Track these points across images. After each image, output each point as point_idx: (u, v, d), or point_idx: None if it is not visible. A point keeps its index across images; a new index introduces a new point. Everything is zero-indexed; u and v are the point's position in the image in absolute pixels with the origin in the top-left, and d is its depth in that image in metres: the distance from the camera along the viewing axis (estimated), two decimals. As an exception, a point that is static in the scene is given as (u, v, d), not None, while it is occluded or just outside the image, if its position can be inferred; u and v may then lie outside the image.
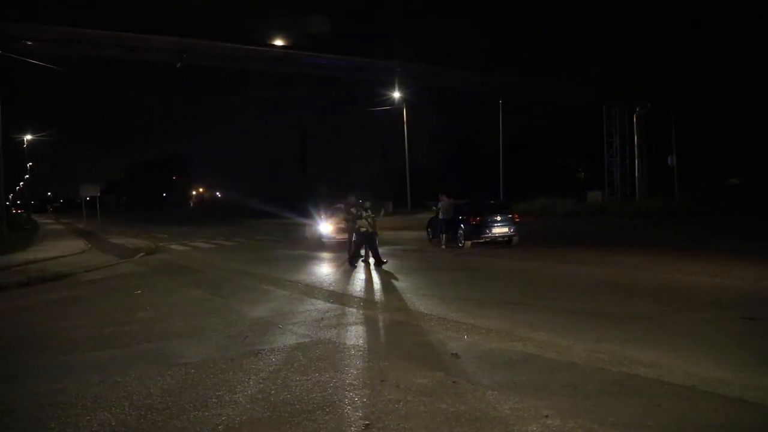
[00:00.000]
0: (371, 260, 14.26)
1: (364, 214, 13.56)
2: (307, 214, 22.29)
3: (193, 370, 5.48)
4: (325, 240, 19.75)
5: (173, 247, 22.39)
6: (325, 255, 16.92)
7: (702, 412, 4.02)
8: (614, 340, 6.02)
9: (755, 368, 4.94)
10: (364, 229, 13.48)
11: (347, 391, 4.71)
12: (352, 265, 13.48)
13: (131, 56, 28.08)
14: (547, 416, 4.01)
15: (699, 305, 7.78)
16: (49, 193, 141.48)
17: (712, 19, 37.36)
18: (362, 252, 14.92)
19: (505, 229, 17.10)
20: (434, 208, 18.36)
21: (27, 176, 78.77)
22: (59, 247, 21.50)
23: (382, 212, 16.04)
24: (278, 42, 28.15)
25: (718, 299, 8.15)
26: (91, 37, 24.53)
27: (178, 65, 27.90)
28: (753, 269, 10.57)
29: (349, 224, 15.52)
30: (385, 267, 13.26)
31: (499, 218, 17.14)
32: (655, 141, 37.45)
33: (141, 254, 18.67)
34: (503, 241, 17.36)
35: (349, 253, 15.56)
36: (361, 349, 6.10)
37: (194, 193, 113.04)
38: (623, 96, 37.62)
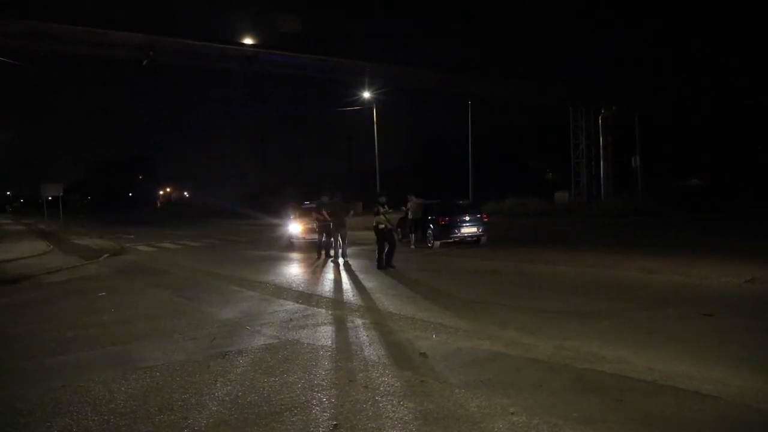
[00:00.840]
0: (340, 259, 14.26)
1: (382, 210, 12.88)
2: (276, 215, 22.15)
3: (158, 374, 5.40)
4: (294, 241, 19.65)
5: (139, 248, 22.00)
6: (295, 256, 16.83)
7: (662, 406, 4.13)
8: (580, 338, 6.13)
9: (712, 362, 5.09)
10: (383, 226, 12.79)
11: (315, 391, 4.70)
12: (382, 266, 12.53)
13: (96, 52, 27.40)
14: (513, 413, 4.07)
15: (660, 302, 7.98)
16: (8, 192, 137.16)
17: (675, 23, 38.38)
18: (332, 252, 14.92)
19: (474, 229, 17.27)
20: (403, 208, 18.42)
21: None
22: (19, 249, 20.92)
23: (352, 213, 16.04)
24: (248, 41, 27.82)
25: (678, 296, 8.38)
26: (53, 32, 23.85)
27: (145, 63, 27.33)
28: (710, 267, 10.89)
29: (321, 224, 15.51)
30: (353, 267, 13.27)
31: (467, 218, 17.29)
32: (620, 143, 38.23)
33: (106, 255, 18.29)
34: (472, 241, 17.51)
35: (319, 253, 15.50)
36: (330, 349, 6.09)
37: (161, 193, 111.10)
38: (589, 98, 38.28)
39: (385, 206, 12.95)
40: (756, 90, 37.01)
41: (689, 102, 38.57)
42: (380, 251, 12.76)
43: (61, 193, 36.21)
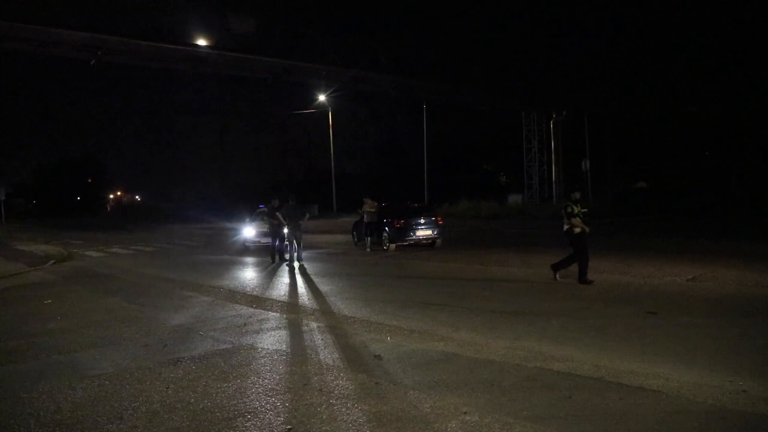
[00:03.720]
0: (295, 263, 14.16)
1: (576, 209, 9.78)
2: (230, 219, 21.87)
3: (107, 382, 5.26)
4: (248, 244, 19.42)
5: (88, 253, 21.32)
6: (249, 259, 16.63)
7: (608, 401, 4.28)
8: (531, 337, 6.28)
9: (655, 358, 5.30)
10: (579, 230, 9.75)
11: (269, 396, 4.67)
12: (586, 280, 9.69)
13: (41, 51, 26.55)
14: (465, 413, 4.14)
15: (608, 302, 8.24)
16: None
17: (622, 34, 39.75)
18: (287, 256, 14.81)
19: (429, 232, 17.43)
20: (359, 211, 18.45)
21: None
22: (-42, 256, 19.97)
23: (307, 216, 15.98)
24: (201, 41, 27.39)
25: (624, 296, 8.68)
26: (-5, 30, 22.99)
27: (93, 62, 26.62)
28: (655, 266, 11.32)
29: (274, 227, 15.37)
30: (308, 270, 13.20)
31: (422, 221, 17.45)
32: (570, 147, 39.34)
33: (52, 262, 17.65)
34: (427, 244, 17.67)
35: (273, 257, 15.32)
36: (284, 353, 6.06)
37: (111, 196, 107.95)
38: (541, 104, 39.24)
39: (578, 204, 9.92)
40: (697, 98, 38.70)
41: (636, 108, 40.00)
42: (583, 262, 9.75)
43: (3, 197, 34.82)
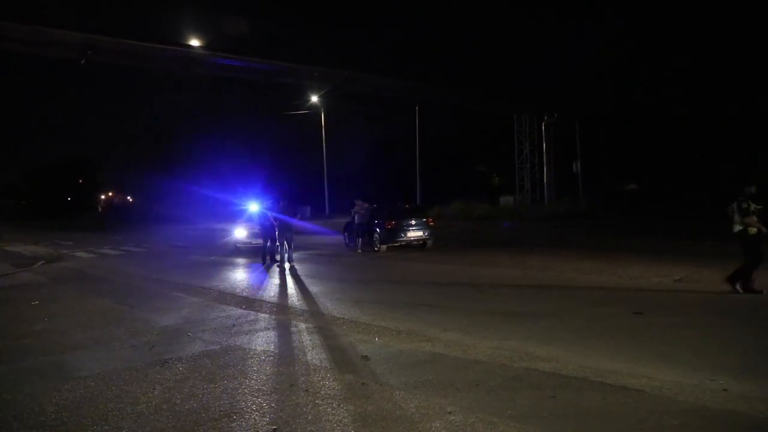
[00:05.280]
0: (286, 264, 14.16)
1: (753, 207, 8.30)
2: (221, 220, 21.81)
3: (93, 383, 5.25)
4: (239, 245, 19.37)
5: (78, 254, 21.21)
6: (240, 261, 16.59)
7: (591, 401, 4.32)
8: (518, 338, 6.32)
9: (639, 358, 5.36)
10: (755, 231, 8.25)
11: (255, 397, 4.68)
12: (752, 288, 8.32)
13: (29, 50, 26.36)
14: (450, 413, 4.17)
15: (596, 302, 8.30)
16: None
17: (615, 36, 40.00)
18: (277, 257, 14.80)
19: (420, 233, 17.48)
20: (351, 212, 18.50)
21: None
22: (-54, 257, 19.82)
23: (299, 217, 15.99)
24: (193, 42, 27.28)
25: (612, 296, 8.74)
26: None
27: (83, 62, 26.46)
28: (643, 267, 11.40)
29: (265, 229, 15.35)
30: (299, 272, 13.19)
31: (413, 222, 17.50)
32: (561, 149, 39.53)
33: (41, 262, 17.55)
34: (418, 245, 17.72)
35: (264, 258, 15.28)
36: (272, 354, 6.07)
37: (103, 197, 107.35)
38: (532, 106, 39.40)
39: (754, 200, 8.35)
40: (688, 100, 38.97)
41: (627, 110, 40.24)
42: (751, 266, 8.30)
43: (-7, 198, 34.55)
